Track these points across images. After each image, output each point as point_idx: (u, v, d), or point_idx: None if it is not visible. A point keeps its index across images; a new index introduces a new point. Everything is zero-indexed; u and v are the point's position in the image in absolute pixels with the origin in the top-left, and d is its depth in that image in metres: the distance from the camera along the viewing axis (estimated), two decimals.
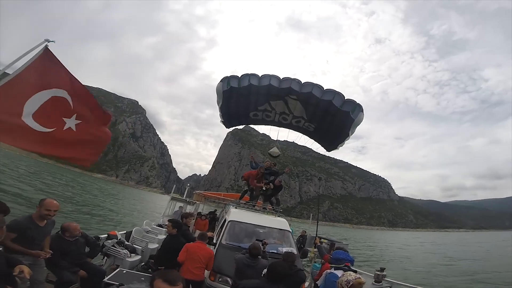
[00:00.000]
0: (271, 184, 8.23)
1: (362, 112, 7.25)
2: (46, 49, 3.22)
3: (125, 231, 6.57)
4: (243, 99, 7.94)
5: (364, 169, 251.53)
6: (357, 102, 7.18)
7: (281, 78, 7.38)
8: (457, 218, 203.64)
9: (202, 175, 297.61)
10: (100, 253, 5.00)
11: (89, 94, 3.83)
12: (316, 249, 7.80)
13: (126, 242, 5.77)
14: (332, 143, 8.67)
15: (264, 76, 7.43)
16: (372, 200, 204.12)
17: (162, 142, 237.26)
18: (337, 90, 7.28)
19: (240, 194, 9.17)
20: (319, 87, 7.24)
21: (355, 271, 3.13)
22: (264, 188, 8.22)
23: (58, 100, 3.42)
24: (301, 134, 9.04)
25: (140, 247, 6.12)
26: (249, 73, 7.60)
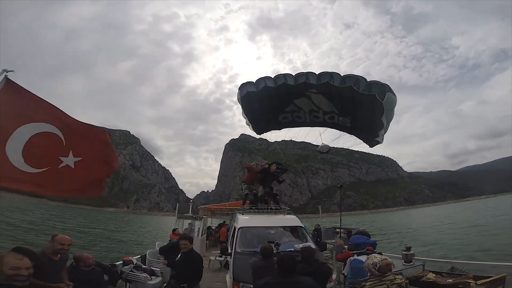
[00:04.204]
0: (272, 166, 8.28)
1: (392, 92, 6.32)
2: (7, 79, 2.91)
3: (139, 255, 6.57)
4: (265, 103, 7.77)
5: (366, 152, 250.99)
6: (383, 82, 6.42)
7: (294, 74, 7.15)
8: (474, 185, 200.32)
9: (210, 191, 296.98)
10: (120, 280, 5.02)
11: (82, 125, 3.50)
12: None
13: (144, 266, 5.80)
14: (370, 136, 7.66)
15: (279, 76, 7.32)
16: (382, 182, 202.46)
17: (164, 167, 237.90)
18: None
19: (243, 199, 9.10)
20: (338, 74, 6.68)
21: (380, 254, 3.10)
22: (267, 166, 8.29)
23: (48, 136, 3.15)
24: (319, 132, 8.41)
25: (159, 269, 6.12)
26: (263, 76, 7.57)
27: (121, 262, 5.47)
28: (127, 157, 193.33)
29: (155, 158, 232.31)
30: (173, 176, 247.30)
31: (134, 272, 5.27)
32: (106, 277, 4.27)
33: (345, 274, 3.78)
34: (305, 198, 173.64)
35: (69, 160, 3.28)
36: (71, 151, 3.30)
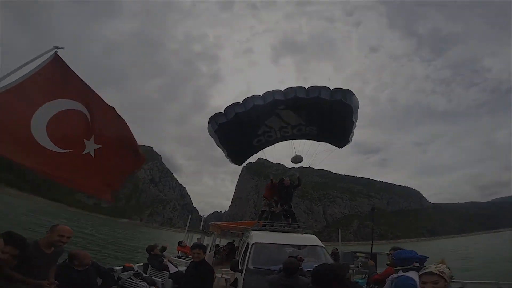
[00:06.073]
0: (286, 179, 8.15)
1: (354, 95, 6.95)
2: (56, 55, 2.95)
3: (142, 263, 6.21)
4: (239, 131, 7.78)
5: (388, 182, 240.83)
6: (344, 88, 6.98)
7: (261, 95, 7.25)
8: (505, 216, 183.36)
9: (223, 212, 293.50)
10: (116, 286, 4.66)
11: (112, 113, 3.34)
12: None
13: (144, 275, 5.43)
14: (342, 137, 8.21)
15: (247, 100, 7.29)
16: (404, 213, 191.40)
17: (181, 185, 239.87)
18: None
19: (258, 216, 8.74)
20: (302, 88, 7.05)
21: None
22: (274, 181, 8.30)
23: (76, 115, 3.05)
24: (312, 149, 8.66)
25: (160, 279, 5.73)
26: (231, 103, 7.49)
27: (121, 267, 5.15)
28: (147, 172, 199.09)
29: (174, 175, 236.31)
30: (188, 194, 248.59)
31: (132, 279, 4.89)
32: (100, 281, 3.98)
33: None
34: (320, 226, 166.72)
35: (90, 146, 3.13)
36: (93, 136, 3.16)
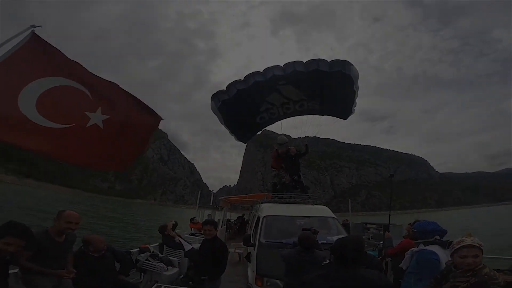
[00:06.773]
0: (292, 148, 8.14)
1: (352, 65, 6.90)
2: (33, 34, 2.76)
3: (157, 244, 6.34)
4: (241, 108, 7.76)
5: (395, 150, 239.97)
6: (342, 59, 6.95)
7: (262, 71, 7.16)
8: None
9: (232, 186, 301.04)
10: (135, 269, 4.77)
11: (109, 84, 3.18)
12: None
13: (161, 255, 5.53)
14: (345, 109, 8.20)
15: (248, 76, 7.23)
16: (411, 182, 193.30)
17: (189, 161, 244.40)
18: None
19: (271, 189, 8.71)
20: (300, 62, 7.00)
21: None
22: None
23: (69, 90, 2.90)
24: (314, 122, 8.68)
25: (176, 259, 5.85)
26: (233, 80, 7.47)
27: (138, 249, 5.24)
28: (155, 151, 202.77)
29: (181, 152, 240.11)
30: (197, 170, 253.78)
31: (150, 261, 4.98)
32: (118, 265, 4.01)
33: (404, 268, 2.88)
34: (327, 196, 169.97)
35: (97, 118, 2.96)
36: (100, 108, 2.99)
